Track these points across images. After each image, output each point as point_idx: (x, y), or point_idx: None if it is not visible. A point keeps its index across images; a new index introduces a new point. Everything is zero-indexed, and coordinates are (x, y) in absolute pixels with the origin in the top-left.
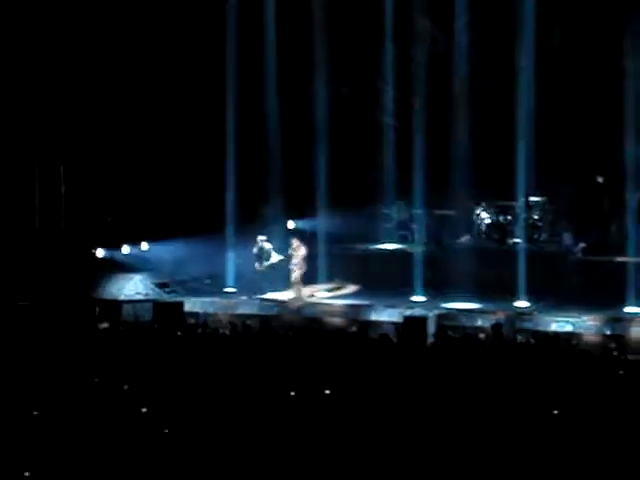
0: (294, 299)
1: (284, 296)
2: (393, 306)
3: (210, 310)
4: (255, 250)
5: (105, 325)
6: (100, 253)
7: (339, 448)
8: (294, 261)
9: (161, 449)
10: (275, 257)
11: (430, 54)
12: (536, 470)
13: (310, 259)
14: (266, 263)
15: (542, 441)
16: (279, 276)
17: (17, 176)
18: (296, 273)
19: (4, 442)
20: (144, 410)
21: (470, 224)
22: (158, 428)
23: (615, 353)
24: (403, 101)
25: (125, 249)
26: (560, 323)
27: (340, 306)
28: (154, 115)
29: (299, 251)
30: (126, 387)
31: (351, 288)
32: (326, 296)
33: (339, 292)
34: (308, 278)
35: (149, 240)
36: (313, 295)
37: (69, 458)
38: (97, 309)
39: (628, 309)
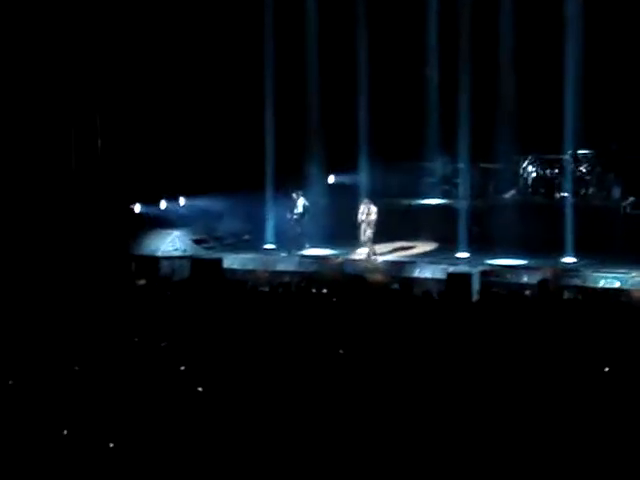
0: (366, 258)
1: (356, 255)
2: (437, 262)
3: (249, 267)
4: (293, 205)
5: (142, 282)
6: (137, 208)
7: (382, 407)
8: (366, 220)
9: (198, 407)
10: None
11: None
12: (587, 429)
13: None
14: (302, 218)
15: (592, 399)
16: (317, 232)
17: (53, 131)
18: (368, 232)
19: (46, 397)
20: (182, 368)
21: (516, 178)
22: (195, 386)
23: None
24: (447, 53)
25: (163, 204)
26: (608, 279)
27: (383, 263)
28: (194, 67)
29: (371, 210)
30: (164, 344)
31: (426, 246)
32: (398, 255)
33: (411, 251)
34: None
35: (187, 195)
36: (386, 253)
37: (108, 415)
38: (134, 265)
39: None
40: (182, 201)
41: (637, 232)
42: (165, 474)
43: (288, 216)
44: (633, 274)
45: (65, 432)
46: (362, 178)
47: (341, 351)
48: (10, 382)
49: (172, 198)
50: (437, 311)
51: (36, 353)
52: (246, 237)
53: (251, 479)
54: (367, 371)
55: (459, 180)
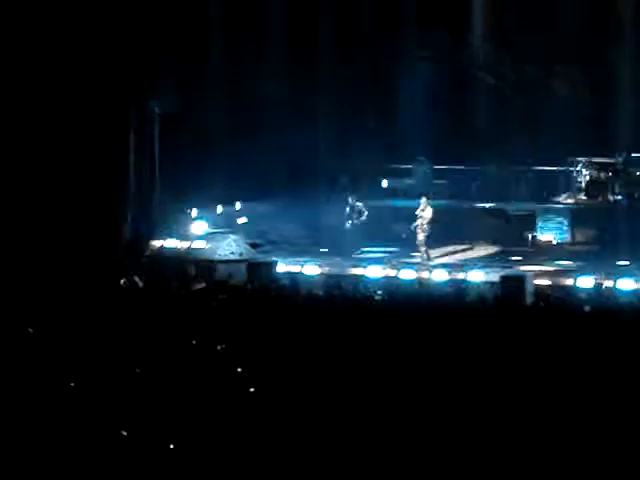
0: (422, 260)
1: (413, 257)
2: (490, 266)
3: (303, 270)
4: (347, 209)
5: (201, 285)
6: (194, 213)
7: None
8: (420, 222)
9: (253, 409)
10: (363, 215)
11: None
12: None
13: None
14: (356, 221)
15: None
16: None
17: (112, 133)
18: (421, 235)
19: (106, 399)
20: (239, 370)
21: (571, 181)
22: (250, 388)
23: None
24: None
25: (219, 209)
26: None
27: (438, 266)
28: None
29: (426, 212)
30: (220, 347)
31: (487, 249)
32: (456, 257)
33: (470, 254)
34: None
35: (242, 200)
36: (441, 256)
37: (165, 417)
38: (192, 269)
39: None
40: (238, 205)
41: None
42: (220, 475)
43: (346, 220)
44: None
45: (125, 433)
46: (413, 182)
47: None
48: (72, 384)
49: (228, 203)
50: (491, 315)
51: (98, 355)
52: (301, 240)
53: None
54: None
55: (512, 183)
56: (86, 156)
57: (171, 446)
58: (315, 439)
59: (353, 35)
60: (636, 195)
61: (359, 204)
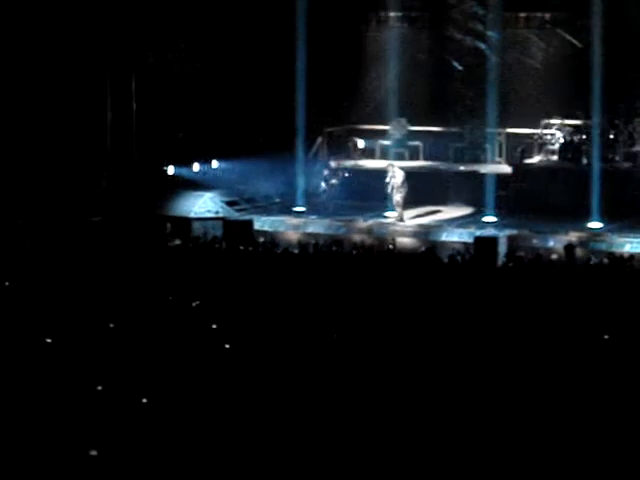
0: (395, 221)
1: (387, 218)
2: (464, 226)
3: (280, 229)
4: (323, 170)
5: (177, 242)
6: (171, 170)
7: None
8: (392, 184)
9: (227, 365)
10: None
11: None
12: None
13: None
14: (332, 181)
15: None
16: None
17: (89, 92)
18: (397, 196)
19: (81, 354)
20: (214, 327)
21: (544, 143)
22: (223, 343)
23: None
24: None
25: (195, 166)
26: (634, 244)
27: (411, 226)
28: (226, 32)
29: (397, 174)
30: (195, 304)
31: (455, 211)
32: (427, 219)
33: (439, 215)
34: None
35: (219, 158)
36: (415, 217)
37: (141, 372)
38: (168, 226)
39: None
40: (215, 163)
41: None
42: (195, 428)
43: (322, 180)
44: None
45: (99, 387)
46: (388, 142)
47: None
48: (47, 340)
49: (205, 161)
50: (463, 275)
51: (71, 311)
52: (277, 199)
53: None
54: (390, 334)
55: (487, 145)
56: (64, 114)
57: (144, 400)
58: (287, 396)
59: None
60: (609, 157)
61: (333, 164)
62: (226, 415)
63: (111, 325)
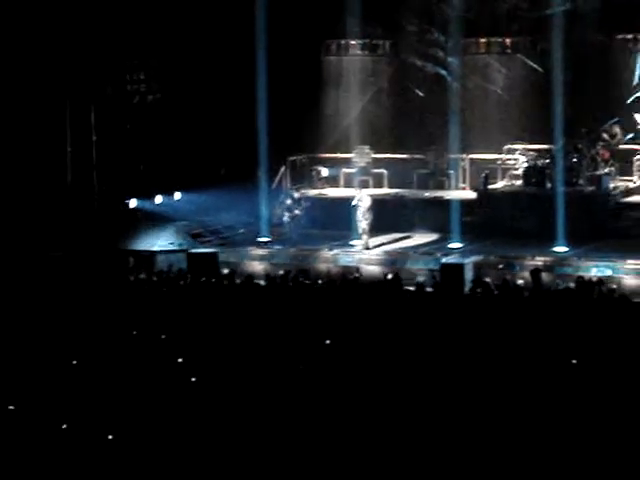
0: (361, 248)
1: (353, 245)
2: (430, 253)
3: (245, 260)
4: (286, 199)
5: (141, 276)
6: (133, 203)
7: (372, 396)
8: (360, 211)
9: (196, 397)
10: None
11: None
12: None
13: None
14: (296, 211)
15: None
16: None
17: (48, 125)
18: (363, 223)
19: (44, 390)
20: (180, 360)
21: (507, 168)
22: (192, 377)
23: None
24: None
25: (158, 199)
26: (600, 268)
27: (377, 254)
28: (186, 62)
29: (365, 201)
30: (163, 337)
31: (421, 237)
32: (393, 246)
33: (410, 242)
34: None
35: (182, 189)
36: (381, 244)
37: (106, 408)
38: (131, 260)
39: None
40: (177, 195)
41: (628, 220)
42: (161, 464)
43: (285, 210)
44: (624, 262)
45: (64, 426)
46: (353, 170)
47: (328, 342)
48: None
49: (167, 193)
50: (429, 303)
51: (35, 348)
52: (241, 230)
53: (244, 468)
54: (357, 362)
55: (451, 171)
56: (23, 146)
57: (109, 437)
58: (253, 427)
59: (288, 27)
60: (572, 181)
61: (296, 194)
62: (192, 448)
63: (74, 362)
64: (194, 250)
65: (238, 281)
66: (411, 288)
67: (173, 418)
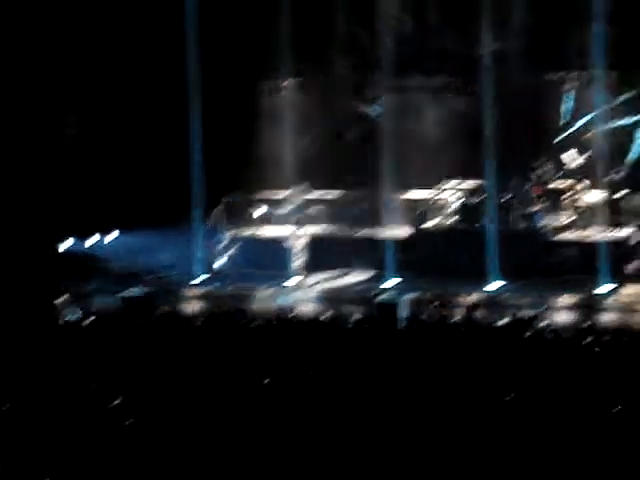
0: (298, 286)
1: (289, 285)
2: (365, 292)
3: (181, 300)
4: (222, 239)
5: (74, 317)
6: (65, 244)
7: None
8: (295, 250)
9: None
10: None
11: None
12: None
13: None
14: (232, 250)
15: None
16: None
17: None
18: (297, 262)
19: None
20: (117, 402)
21: (440, 207)
22: (127, 419)
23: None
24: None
25: (90, 240)
26: (535, 305)
27: (312, 293)
28: (118, 103)
29: (299, 239)
30: (94, 386)
31: (362, 275)
32: (329, 284)
33: (346, 280)
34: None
35: (116, 230)
36: (317, 283)
37: (39, 454)
38: (64, 301)
39: (600, 289)
40: (111, 236)
41: (561, 257)
42: None
43: (222, 250)
44: (556, 299)
45: None
46: (292, 209)
47: (266, 381)
48: None
49: (101, 233)
50: (366, 340)
51: None
52: (175, 271)
53: None
54: (294, 400)
55: (386, 210)
56: None
57: None
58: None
59: (222, 66)
60: (505, 218)
61: (226, 233)
62: None
63: (4, 407)
64: (130, 292)
65: (174, 321)
66: (348, 326)
67: (108, 463)
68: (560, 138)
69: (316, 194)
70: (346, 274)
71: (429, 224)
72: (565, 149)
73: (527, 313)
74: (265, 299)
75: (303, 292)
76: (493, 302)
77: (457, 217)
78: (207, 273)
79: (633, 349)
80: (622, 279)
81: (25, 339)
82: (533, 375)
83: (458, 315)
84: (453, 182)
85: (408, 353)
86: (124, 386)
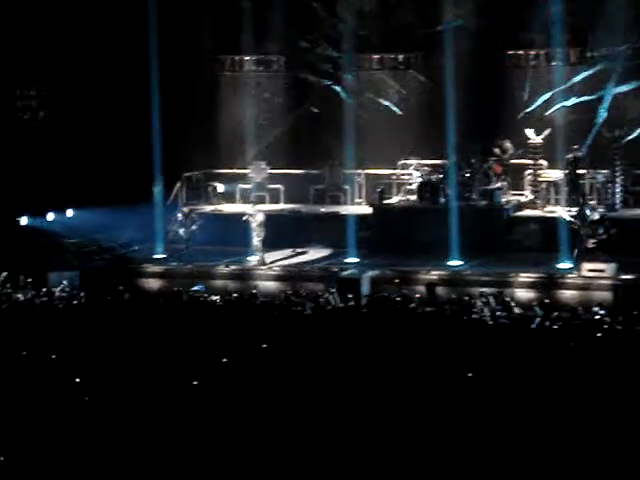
0: (257, 264)
1: (248, 262)
2: (327, 268)
3: (140, 277)
4: (179, 216)
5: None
6: (24, 221)
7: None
8: (253, 227)
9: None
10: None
11: None
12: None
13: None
14: (191, 227)
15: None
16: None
17: None
18: (256, 239)
19: None
20: (77, 380)
21: (402, 183)
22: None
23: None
24: None
25: (50, 216)
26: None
27: (273, 270)
28: (78, 77)
29: (256, 217)
30: (54, 356)
31: (317, 253)
32: (292, 261)
33: (302, 258)
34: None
35: (75, 206)
36: (276, 260)
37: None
38: (22, 278)
39: (561, 265)
40: (69, 212)
41: (521, 233)
42: None
43: (178, 227)
44: (516, 275)
45: None
46: (250, 186)
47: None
48: None
49: (59, 210)
50: (327, 319)
51: None
52: (135, 247)
53: None
54: (255, 380)
55: (347, 187)
56: None
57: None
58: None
59: (183, 42)
60: (466, 195)
61: (185, 209)
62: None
63: None
64: (88, 267)
65: (133, 298)
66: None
67: (68, 440)
68: (522, 114)
69: (276, 171)
70: (306, 251)
71: (390, 201)
72: (527, 125)
73: (484, 290)
74: (225, 276)
75: (263, 269)
76: (453, 279)
77: (418, 194)
78: (166, 250)
79: (591, 326)
80: (581, 256)
81: None
82: (493, 350)
83: (419, 292)
84: (415, 159)
85: (369, 330)
86: (83, 361)
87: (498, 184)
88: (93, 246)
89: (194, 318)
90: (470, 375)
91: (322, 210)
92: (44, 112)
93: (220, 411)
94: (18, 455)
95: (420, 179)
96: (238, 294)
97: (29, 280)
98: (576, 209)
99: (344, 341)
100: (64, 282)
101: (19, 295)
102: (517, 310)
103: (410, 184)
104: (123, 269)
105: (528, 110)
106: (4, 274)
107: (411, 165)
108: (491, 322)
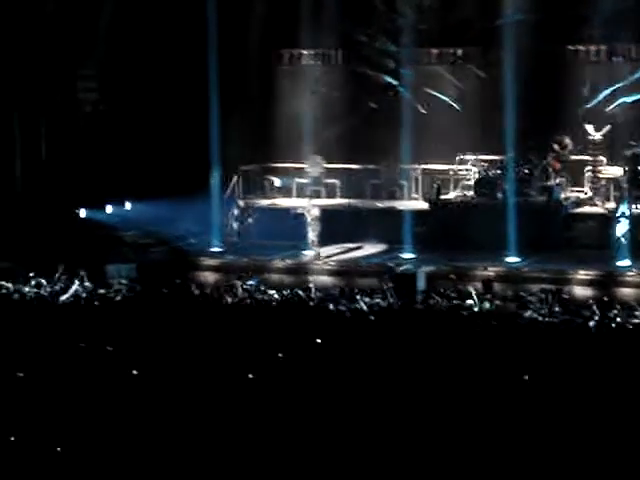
0: (313, 258)
1: (303, 256)
2: (383, 264)
3: (197, 270)
4: (235, 210)
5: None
6: (83, 213)
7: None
8: (308, 221)
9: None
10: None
11: None
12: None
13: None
14: (247, 221)
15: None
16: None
17: None
18: (312, 234)
19: None
20: (134, 372)
21: (459, 179)
22: (145, 388)
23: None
24: None
25: (109, 209)
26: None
27: (329, 264)
28: (138, 70)
29: (312, 212)
30: (110, 349)
31: (373, 248)
32: (344, 256)
33: (357, 253)
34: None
35: (133, 199)
36: (331, 255)
37: (55, 422)
38: (81, 271)
39: (620, 263)
40: (128, 205)
41: (578, 231)
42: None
43: (234, 221)
44: (573, 273)
45: (12, 438)
46: (307, 180)
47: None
48: None
49: (118, 202)
50: (384, 314)
51: None
52: (192, 240)
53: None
54: (315, 377)
55: (404, 182)
56: None
57: (58, 449)
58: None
59: (241, 36)
60: (524, 191)
61: (241, 203)
62: (147, 463)
63: (20, 374)
64: (146, 260)
65: (194, 292)
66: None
67: (127, 431)
68: (581, 111)
69: (333, 165)
70: (361, 246)
71: (447, 197)
72: (587, 120)
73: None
74: (282, 270)
75: (319, 264)
76: (510, 275)
77: (475, 190)
78: (223, 243)
79: None
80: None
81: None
82: (552, 351)
83: (475, 288)
84: (473, 155)
85: (425, 328)
86: (141, 354)
87: (557, 180)
88: (150, 239)
89: (249, 312)
90: (526, 378)
91: (378, 205)
92: (103, 105)
93: (275, 405)
94: (76, 447)
95: (477, 175)
96: (293, 289)
97: (86, 273)
98: (636, 206)
99: (398, 339)
100: (122, 275)
101: (76, 288)
102: (573, 308)
103: (467, 180)
104: (180, 262)
105: (588, 106)
106: (82, 271)
107: (469, 161)
108: (547, 319)
